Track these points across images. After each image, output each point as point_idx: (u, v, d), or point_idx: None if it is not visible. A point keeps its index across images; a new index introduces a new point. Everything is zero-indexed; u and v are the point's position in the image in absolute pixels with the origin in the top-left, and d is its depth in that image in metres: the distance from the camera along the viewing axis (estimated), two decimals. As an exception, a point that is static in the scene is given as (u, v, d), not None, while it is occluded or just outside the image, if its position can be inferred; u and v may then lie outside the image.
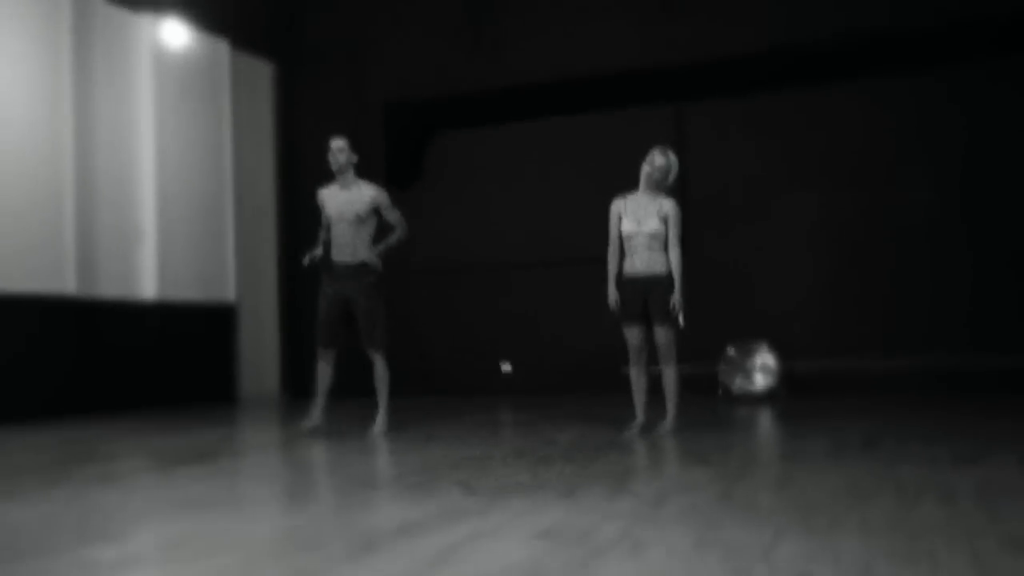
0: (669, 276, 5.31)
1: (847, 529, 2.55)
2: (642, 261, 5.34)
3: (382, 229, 5.85)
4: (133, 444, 5.81)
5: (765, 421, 6.37)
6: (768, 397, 8.11)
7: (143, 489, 3.96)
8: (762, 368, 8.24)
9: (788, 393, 8.16)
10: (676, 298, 5.27)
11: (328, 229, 5.77)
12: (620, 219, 5.41)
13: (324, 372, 5.76)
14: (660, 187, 5.38)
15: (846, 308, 8.69)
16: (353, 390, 7.13)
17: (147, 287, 9.03)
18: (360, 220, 5.64)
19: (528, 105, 10.05)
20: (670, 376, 5.35)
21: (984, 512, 2.73)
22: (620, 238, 5.42)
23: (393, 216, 5.78)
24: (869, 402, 7.26)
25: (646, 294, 5.33)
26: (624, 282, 5.42)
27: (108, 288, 8.64)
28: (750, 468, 4.02)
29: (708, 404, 7.67)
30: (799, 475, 3.67)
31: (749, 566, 2.15)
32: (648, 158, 5.38)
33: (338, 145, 5.72)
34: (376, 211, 5.73)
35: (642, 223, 5.32)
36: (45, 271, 7.99)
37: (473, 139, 10.28)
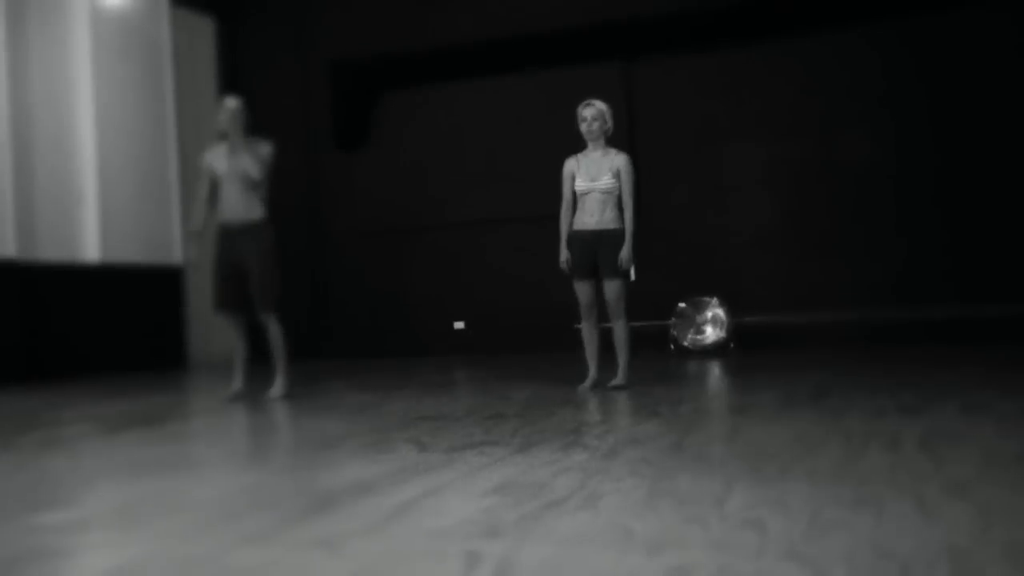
0: (620, 231, 5.32)
1: (796, 477, 2.59)
2: (593, 217, 5.35)
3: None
4: (79, 410, 5.71)
5: (716, 374, 6.45)
6: (719, 351, 8.21)
7: (91, 454, 3.90)
8: (713, 321, 8.34)
9: (738, 347, 8.28)
10: (625, 253, 5.29)
11: (213, 189, 5.61)
12: (573, 178, 5.40)
13: (234, 335, 5.67)
14: (605, 137, 5.39)
15: (796, 261, 8.81)
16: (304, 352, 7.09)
17: (90, 250, 8.84)
18: (254, 181, 5.51)
19: (476, 63, 9.96)
20: (620, 331, 5.39)
21: (928, 459, 2.80)
22: (573, 197, 5.42)
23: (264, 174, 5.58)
24: (819, 355, 7.39)
25: (596, 249, 5.34)
26: (574, 238, 5.42)
27: (50, 251, 8.45)
28: (701, 420, 4.07)
29: (659, 358, 7.75)
30: (749, 426, 3.72)
31: (702, 514, 2.18)
32: (579, 117, 5.40)
33: (230, 106, 5.54)
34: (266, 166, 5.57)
35: (596, 180, 5.33)
36: (-17, 235, 7.78)
37: (420, 98, 10.17)
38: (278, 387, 5.62)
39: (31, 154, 8.32)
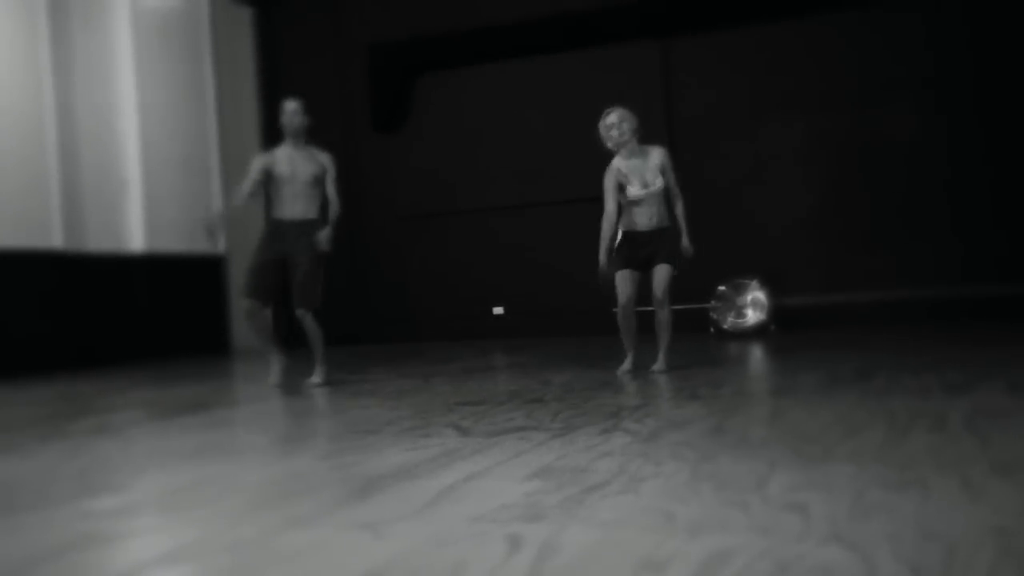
0: (673, 227, 5.33)
1: (839, 459, 2.58)
2: (650, 220, 5.33)
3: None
4: (128, 397, 5.82)
5: (756, 357, 6.41)
6: (759, 332, 8.16)
7: (140, 440, 3.98)
8: (753, 304, 8.28)
9: (779, 329, 8.21)
10: (686, 242, 5.30)
11: (265, 187, 5.68)
12: (621, 188, 5.33)
13: (262, 327, 5.72)
14: (636, 138, 5.34)
15: (837, 241, 8.71)
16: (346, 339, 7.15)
17: (135, 240, 8.99)
18: (313, 183, 5.59)
19: (513, 44, 9.93)
20: (664, 316, 5.37)
21: (974, 439, 2.76)
22: (618, 208, 5.34)
23: (333, 190, 5.69)
24: (861, 336, 7.31)
25: (651, 244, 5.32)
26: (627, 237, 5.39)
27: (96, 242, 8.60)
28: (742, 403, 4.05)
29: (700, 341, 7.71)
30: (791, 409, 3.70)
31: (744, 497, 2.18)
32: (604, 128, 5.31)
33: (293, 107, 5.63)
34: (322, 179, 5.66)
35: (649, 185, 5.30)
36: (32, 226, 7.94)
37: (458, 80, 10.17)
38: (318, 375, 5.68)
39: (77, 148, 8.46)
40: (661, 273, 5.30)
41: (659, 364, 5.35)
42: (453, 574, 1.73)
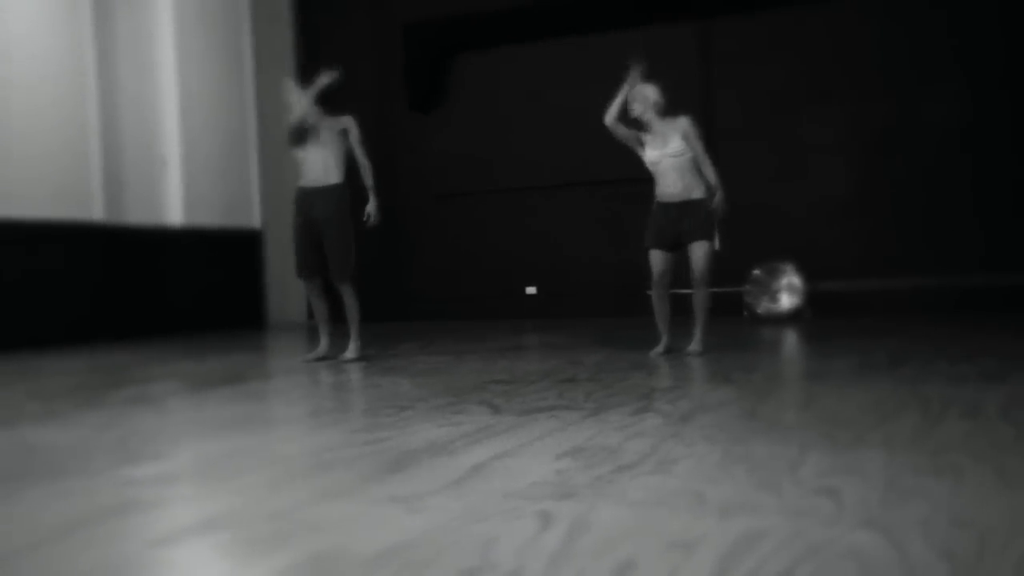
0: (703, 199, 5.28)
1: (872, 445, 2.57)
2: (675, 187, 5.29)
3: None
4: (165, 368, 5.91)
5: (790, 341, 6.38)
6: (793, 317, 8.10)
7: (177, 411, 4.05)
8: (788, 288, 8.22)
9: (814, 314, 8.15)
10: (719, 197, 5.23)
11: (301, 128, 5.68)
12: (640, 142, 5.39)
13: (314, 300, 5.82)
14: (658, 112, 5.34)
15: (873, 227, 8.61)
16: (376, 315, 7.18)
17: (174, 214, 9.09)
18: (337, 142, 5.60)
19: (550, 24, 9.87)
20: (701, 297, 5.34)
21: (1010, 426, 2.74)
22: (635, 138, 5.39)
23: (361, 152, 5.66)
24: (895, 321, 7.24)
25: (680, 220, 5.28)
26: (656, 209, 5.39)
27: (135, 215, 8.72)
28: (775, 387, 4.04)
29: (734, 325, 7.68)
30: (824, 393, 3.69)
31: (775, 480, 2.18)
32: (638, 97, 5.33)
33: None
34: (345, 138, 5.65)
35: (665, 146, 5.28)
36: (74, 199, 8.06)
37: (494, 60, 10.14)
38: (351, 350, 5.73)
39: (118, 121, 8.56)
40: (699, 251, 5.26)
41: (695, 345, 5.33)
42: (484, 549, 1.75)
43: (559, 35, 9.84)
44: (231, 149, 9.76)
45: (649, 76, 5.43)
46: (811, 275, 8.24)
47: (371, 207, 5.65)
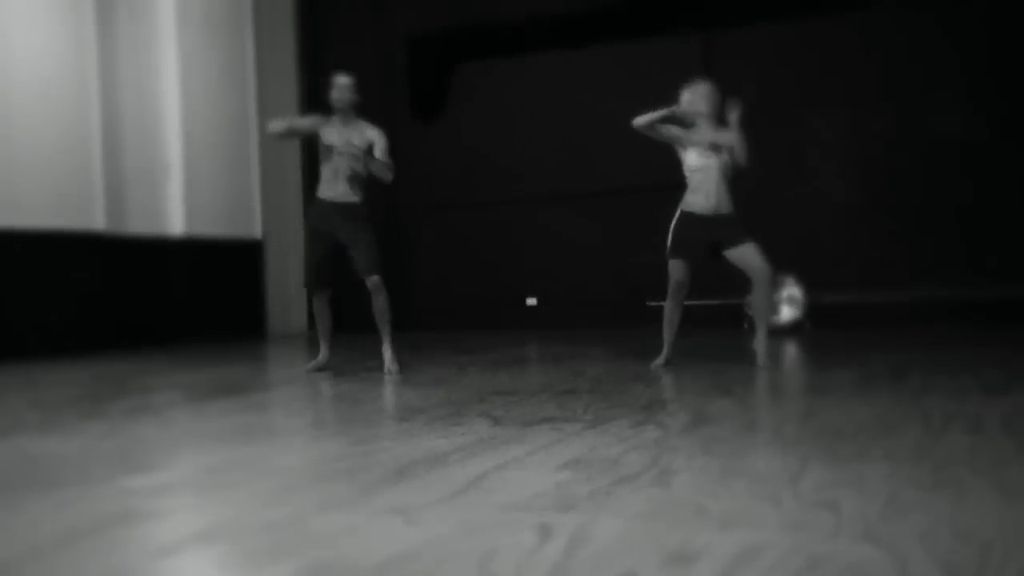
0: (734, 214, 5.17)
1: (873, 458, 2.57)
2: (709, 200, 5.14)
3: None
4: (165, 379, 5.91)
5: (791, 354, 6.37)
6: (794, 329, 8.10)
7: (177, 421, 4.05)
8: (788, 300, 8.21)
9: (815, 326, 8.15)
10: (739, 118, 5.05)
11: (298, 133, 5.76)
12: (681, 142, 5.18)
13: (322, 315, 5.76)
14: (712, 110, 5.19)
15: (875, 239, 8.61)
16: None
17: (175, 223, 9.10)
18: (360, 158, 5.56)
19: (552, 35, 9.91)
20: (763, 296, 5.23)
21: (1011, 441, 2.74)
22: (663, 130, 5.16)
23: (385, 156, 5.52)
24: (897, 334, 7.24)
25: (711, 235, 5.14)
26: (686, 218, 5.21)
27: (136, 225, 8.72)
28: (775, 399, 4.04)
29: (733, 337, 7.67)
30: (825, 406, 3.68)
31: (775, 493, 2.18)
32: (702, 92, 5.14)
33: (344, 82, 5.60)
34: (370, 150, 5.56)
35: (715, 155, 5.12)
36: (74, 208, 8.06)
37: (497, 70, 10.17)
38: (390, 360, 5.52)
39: (120, 130, 8.57)
40: (750, 251, 5.09)
41: (762, 354, 5.08)
42: (484, 561, 1.75)
43: (561, 47, 9.87)
44: (233, 159, 9.77)
45: (659, 92, 5.33)
46: (812, 286, 8.23)
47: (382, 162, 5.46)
